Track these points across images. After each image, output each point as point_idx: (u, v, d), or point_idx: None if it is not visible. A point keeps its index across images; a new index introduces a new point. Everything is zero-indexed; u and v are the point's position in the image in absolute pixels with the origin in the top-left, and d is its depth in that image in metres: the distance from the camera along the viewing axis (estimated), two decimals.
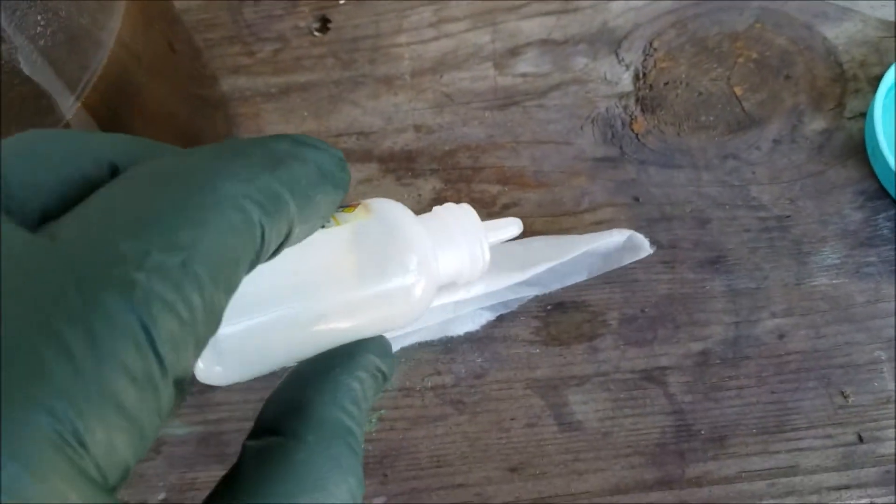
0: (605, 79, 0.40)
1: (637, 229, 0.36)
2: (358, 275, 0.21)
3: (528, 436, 0.34)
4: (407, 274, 0.22)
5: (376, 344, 0.22)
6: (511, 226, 0.27)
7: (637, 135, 0.39)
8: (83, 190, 0.16)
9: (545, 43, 0.42)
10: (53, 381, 0.12)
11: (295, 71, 0.42)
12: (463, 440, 0.34)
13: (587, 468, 0.33)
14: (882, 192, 0.36)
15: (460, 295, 0.33)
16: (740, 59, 0.40)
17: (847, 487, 0.32)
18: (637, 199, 0.37)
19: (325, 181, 0.18)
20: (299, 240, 0.18)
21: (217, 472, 0.33)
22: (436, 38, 0.42)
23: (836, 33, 0.40)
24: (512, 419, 0.34)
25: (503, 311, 0.35)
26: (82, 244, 0.14)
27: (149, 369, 0.13)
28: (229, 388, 0.34)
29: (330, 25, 0.43)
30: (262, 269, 0.17)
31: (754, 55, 0.40)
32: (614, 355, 0.35)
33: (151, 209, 0.14)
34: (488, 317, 0.35)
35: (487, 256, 0.26)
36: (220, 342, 0.19)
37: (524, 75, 0.41)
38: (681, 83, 0.40)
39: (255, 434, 0.19)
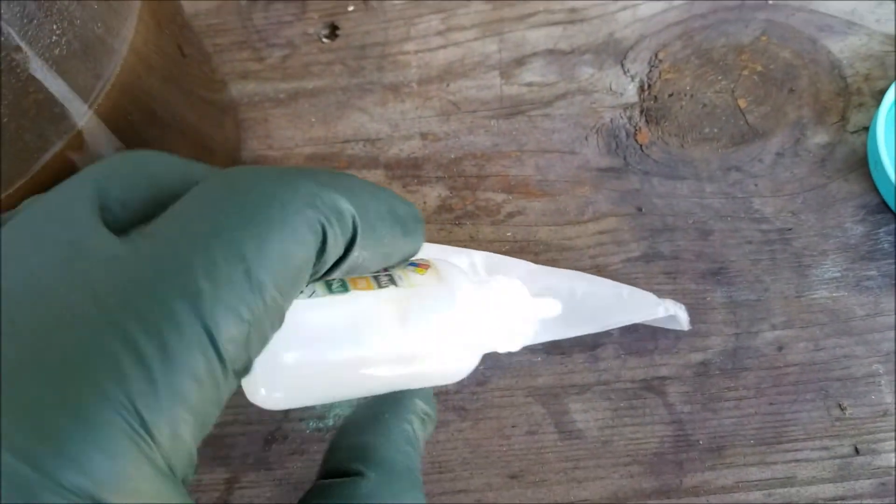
0: (611, 89, 0.41)
1: (639, 240, 0.37)
2: (417, 335, 0.22)
3: (529, 443, 0.34)
4: (461, 347, 0.23)
5: (422, 391, 0.23)
6: (554, 308, 0.29)
7: (641, 146, 0.39)
8: (167, 204, 0.18)
9: (551, 53, 0.42)
10: (128, 383, 0.14)
11: (303, 77, 0.42)
12: (464, 446, 0.34)
13: (586, 476, 0.33)
14: (883, 206, 0.37)
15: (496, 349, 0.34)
16: (745, 72, 0.41)
17: (843, 499, 0.32)
18: (640, 210, 0.38)
19: (394, 221, 0.20)
20: (360, 269, 0.20)
21: (221, 475, 0.34)
22: (443, 47, 0.43)
23: (841, 47, 0.41)
24: (513, 426, 0.34)
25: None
26: (157, 256, 0.16)
27: (212, 369, 0.15)
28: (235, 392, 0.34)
29: (339, 32, 0.44)
30: (334, 307, 0.20)
31: (759, 68, 0.41)
32: (615, 364, 0.35)
33: (220, 223, 0.16)
34: None
35: (530, 334, 0.27)
36: (279, 370, 0.20)
37: (530, 85, 0.41)
38: (685, 95, 0.40)
39: (323, 476, 0.21)
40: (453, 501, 0.33)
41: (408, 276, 0.23)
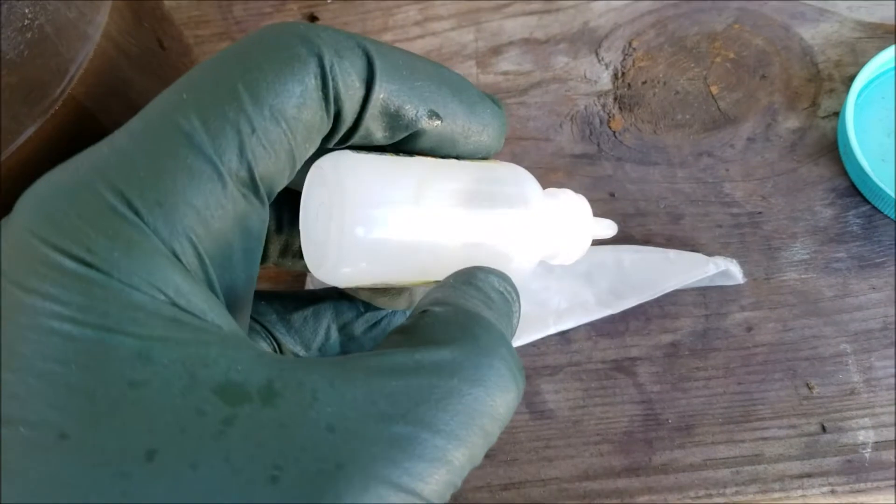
0: (585, 77, 0.41)
1: None
2: (481, 220, 0.23)
3: None
4: (528, 205, 0.24)
5: (496, 272, 0.22)
6: (610, 228, 0.29)
7: (614, 132, 0.40)
8: None
9: (527, 42, 0.43)
10: (109, 172, 0.17)
11: None
12: None
13: (557, 455, 0.34)
14: (853, 189, 0.37)
15: (551, 330, 0.35)
16: (717, 59, 0.41)
17: (809, 476, 0.32)
18: (613, 195, 0.38)
19: (438, 79, 0.22)
20: (409, 125, 0.21)
21: None
22: (421, 37, 0.43)
23: (813, 34, 0.41)
24: None
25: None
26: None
27: (198, 165, 0.18)
28: None
29: (318, 23, 0.44)
30: (398, 165, 0.21)
31: (732, 55, 0.41)
32: (586, 346, 0.35)
33: (216, 66, 0.19)
34: None
35: (588, 244, 0.27)
36: (355, 244, 0.20)
37: (506, 73, 0.42)
38: (658, 82, 0.41)
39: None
40: None
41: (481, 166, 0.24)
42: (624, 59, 0.42)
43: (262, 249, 0.20)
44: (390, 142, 0.22)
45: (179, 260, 0.17)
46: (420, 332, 0.19)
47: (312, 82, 0.19)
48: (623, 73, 0.41)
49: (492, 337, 0.19)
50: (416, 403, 0.17)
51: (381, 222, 0.21)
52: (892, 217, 0.36)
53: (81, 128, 0.31)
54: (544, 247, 0.25)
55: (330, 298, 0.29)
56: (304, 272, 0.36)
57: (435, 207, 0.22)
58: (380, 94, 0.20)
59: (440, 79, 0.22)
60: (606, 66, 0.42)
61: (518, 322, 0.22)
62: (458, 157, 0.24)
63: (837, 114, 0.39)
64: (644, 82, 0.41)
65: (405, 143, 0.23)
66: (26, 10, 0.27)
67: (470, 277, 0.21)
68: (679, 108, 0.40)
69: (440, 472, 0.17)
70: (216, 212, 0.18)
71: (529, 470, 0.34)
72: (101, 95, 0.32)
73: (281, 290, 0.34)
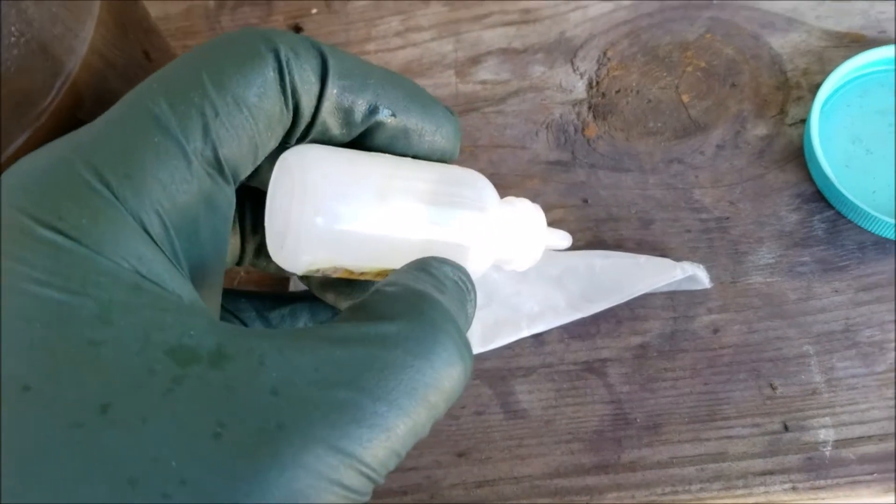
0: (561, 86, 0.43)
1: (584, 230, 0.39)
2: (441, 196, 0.24)
3: (476, 423, 0.36)
4: (484, 209, 0.25)
5: (451, 262, 0.23)
6: (565, 239, 0.30)
7: (588, 140, 0.41)
8: None
9: (505, 52, 0.44)
10: (87, 153, 0.19)
11: None
12: None
13: (530, 453, 0.35)
14: (818, 194, 0.38)
15: (524, 333, 0.36)
16: (689, 68, 0.42)
17: (771, 473, 0.34)
18: (586, 201, 0.39)
19: (392, 81, 0.24)
20: (352, 125, 0.23)
21: None
22: (402, 47, 0.45)
23: (782, 43, 0.42)
24: (462, 407, 0.36)
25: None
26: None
27: (161, 140, 0.19)
28: None
29: (303, 33, 0.45)
30: (360, 161, 0.23)
31: (703, 64, 0.42)
32: (559, 348, 0.37)
33: (186, 61, 0.21)
34: None
35: (538, 255, 0.28)
36: (314, 233, 0.22)
37: (484, 82, 0.43)
38: (631, 91, 0.42)
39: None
40: (403, 478, 0.35)
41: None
42: (598, 69, 0.43)
43: (229, 228, 0.21)
44: (348, 139, 0.24)
45: (147, 231, 0.19)
46: (369, 308, 0.20)
47: (271, 74, 0.21)
48: (597, 83, 0.43)
49: (438, 314, 0.20)
50: (360, 372, 0.18)
51: (341, 213, 0.22)
52: (856, 222, 0.37)
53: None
54: (497, 250, 0.26)
55: (307, 299, 0.31)
56: (282, 276, 0.38)
57: (394, 202, 0.23)
58: (333, 88, 0.22)
59: (393, 80, 0.24)
60: (581, 75, 0.43)
61: (474, 311, 0.23)
62: (415, 158, 0.25)
63: (804, 121, 0.40)
64: (618, 91, 0.42)
65: (362, 140, 0.24)
66: (13, 28, 0.28)
67: (424, 264, 0.23)
68: (651, 116, 0.41)
69: (379, 437, 0.18)
70: (181, 186, 0.19)
71: (503, 468, 0.35)
72: (88, 107, 0.33)
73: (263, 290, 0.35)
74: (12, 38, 0.29)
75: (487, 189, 0.26)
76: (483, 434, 0.36)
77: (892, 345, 0.35)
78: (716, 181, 0.39)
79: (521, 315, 0.37)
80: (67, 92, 0.32)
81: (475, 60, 0.44)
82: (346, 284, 0.26)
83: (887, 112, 0.40)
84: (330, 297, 0.27)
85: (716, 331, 0.36)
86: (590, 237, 0.39)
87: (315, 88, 0.22)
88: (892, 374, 0.35)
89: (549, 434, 0.35)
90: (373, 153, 0.24)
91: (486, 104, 0.43)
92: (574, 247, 0.38)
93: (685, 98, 0.42)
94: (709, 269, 0.37)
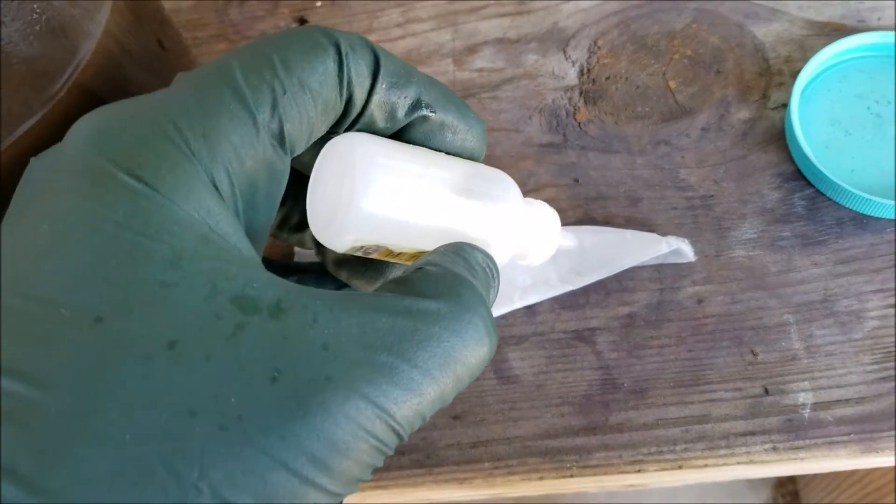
0: (553, 73, 0.45)
1: (575, 207, 0.40)
2: (474, 188, 0.26)
3: (471, 387, 0.37)
4: (508, 205, 0.27)
5: (481, 249, 0.26)
6: (572, 241, 0.33)
7: (579, 123, 0.43)
8: None
9: (500, 41, 0.46)
10: (173, 113, 0.21)
11: None
12: None
13: (522, 416, 0.37)
14: (798, 174, 0.40)
15: (516, 305, 0.38)
16: (676, 56, 0.44)
17: (752, 434, 0.35)
18: (577, 181, 0.41)
19: (434, 85, 0.26)
20: (396, 118, 0.25)
21: None
22: (402, 37, 0.47)
23: (765, 32, 0.44)
24: None
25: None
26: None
27: (236, 110, 0.21)
28: None
29: (308, 25, 0.47)
30: (400, 149, 0.25)
31: (689, 52, 0.44)
32: (550, 318, 0.38)
33: (278, 46, 0.23)
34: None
35: (552, 253, 0.31)
36: (359, 215, 0.24)
37: (480, 70, 0.45)
38: (621, 78, 0.44)
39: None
40: None
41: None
42: (589, 57, 0.45)
43: (281, 196, 0.23)
44: (391, 131, 0.26)
45: (216, 187, 0.20)
46: (412, 283, 0.22)
47: (332, 65, 0.23)
48: (588, 70, 0.44)
49: (473, 297, 0.23)
50: (401, 340, 0.20)
51: (387, 197, 0.24)
52: (834, 199, 0.39)
53: (85, 113, 0.34)
54: (517, 245, 0.29)
55: (314, 272, 0.32)
56: (293, 247, 0.39)
57: (433, 190, 0.25)
58: (383, 83, 0.24)
59: (432, 81, 0.26)
60: (573, 63, 0.45)
61: (495, 297, 0.26)
62: (447, 153, 0.27)
63: (786, 105, 0.42)
64: (607, 78, 0.44)
65: (402, 134, 0.26)
66: (35, 6, 0.30)
67: (459, 249, 0.25)
68: (639, 101, 0.43)
69: (412, 400, 0.20)
70: (249, 151, 0.21)
71: (496, 429, 0.37)
72: (103, 86, 0.35)
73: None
74: (34, 15, 0.31)
75: (513, 188, 0.28)
76: (477, 398, 0.37)
77: (869, 314, 0.37)
78: (701, 161, 0.41)
79: (515, 288, 0.38)
80: (83, 71, 0.34)
81: (472, 49, 0.46)
82: (361, 264, 0.29)
83: (865, 96, 0.42)
84: (343, 275, 0.29)
85: (700, 301, 0.38)
86: (580, 214, 0.40)
87: (367, 82, 0.24)
88: (868, 341, 0.36)
89: (541, 398, 0.37)
90: (412, 146, 0.26)
91: (483, 90, 0.45)
92: (565, 223, 0.40)
93: (672, 84, 0.43)
94: (694, 244, 0.39)
